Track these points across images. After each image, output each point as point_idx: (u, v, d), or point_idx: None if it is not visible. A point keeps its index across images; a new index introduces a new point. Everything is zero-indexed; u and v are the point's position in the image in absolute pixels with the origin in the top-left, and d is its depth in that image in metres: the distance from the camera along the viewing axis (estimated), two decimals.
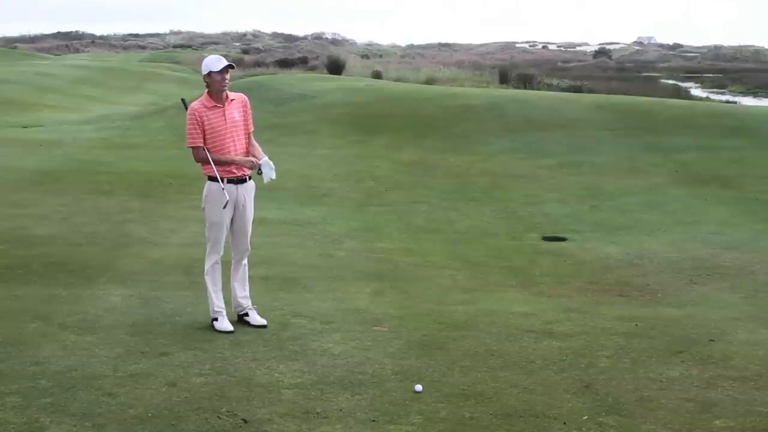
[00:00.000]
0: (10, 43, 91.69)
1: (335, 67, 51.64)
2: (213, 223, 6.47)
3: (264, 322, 6.55)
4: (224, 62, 6.38)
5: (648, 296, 8.41)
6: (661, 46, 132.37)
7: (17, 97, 30.90)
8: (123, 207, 12.23)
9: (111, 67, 48.79)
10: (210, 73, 6.34)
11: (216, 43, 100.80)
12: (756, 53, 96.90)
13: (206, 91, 6.43)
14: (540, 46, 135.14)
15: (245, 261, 6.68)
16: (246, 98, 6.64)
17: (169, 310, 6.98)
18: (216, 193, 6.37)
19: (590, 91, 37.54)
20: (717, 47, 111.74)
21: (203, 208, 6.55)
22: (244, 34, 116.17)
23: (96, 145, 18.87)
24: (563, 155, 16.89)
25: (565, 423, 4.81)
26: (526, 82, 43.49)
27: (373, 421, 4.82)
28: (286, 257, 9.57)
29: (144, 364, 5.63)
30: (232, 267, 6.68)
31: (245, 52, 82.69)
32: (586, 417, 4.90)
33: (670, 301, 8.17)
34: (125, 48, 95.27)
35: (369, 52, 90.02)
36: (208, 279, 6.53)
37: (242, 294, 6.65)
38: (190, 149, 6.41)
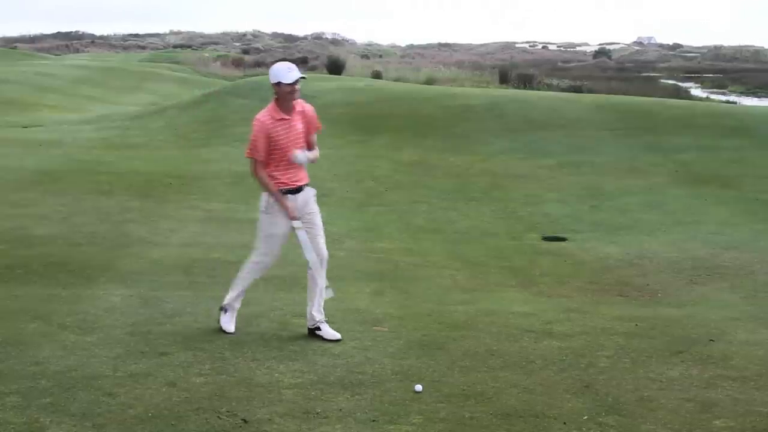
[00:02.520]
0: (10, 43, 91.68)
1: (335, 67, 51.67)
2: (270, 235, 6.27)
3: (338, 336, 6.23)
4: (296, 74, 6.02)
5: (648, 296, 8.41)
6: (661, 46, 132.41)
7: (17, 97, 30.90)
8: (123, 207, 12.23)
9: (111, 67, 48.78)
10: (279, 83, 6.03)
11: (216, 43, 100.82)
12: (756, 53, 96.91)
13: (274, 99, 6.13)
14: (540, 46, 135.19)
15: (323, 270, 6.35)
16: (313, 109, 6.34)
17: (169, 310, 6.98)
18: (276, 206, 6.16)
19: (590, 91, 37.56)
20: (717, 47, 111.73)
21: (259, 220, 6.31)
22: (244, 34, 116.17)
23: (96, 145, 18.87)
24: (563, 155, 16.90)
25: (565, 423, 4.81)
26: (526, 82, 43.53)
27: (373, 421, 4.82)
28: (286, 257, 9.54)
29: (144, 364, 5.62)
30: (309, 278, 6.35)
31: (245, 52, 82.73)
32: (586, 417, 4.90)
33: (670, 301, 8.17)
34: (125, 48, 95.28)
35: (369, 52, 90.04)
36: (245, 272, 6.37)
37: (316, 307, 6.33)
38: (250, 159, 6.22)
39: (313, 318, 6.33)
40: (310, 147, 6.29)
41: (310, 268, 6.32)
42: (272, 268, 8.90)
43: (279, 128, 6.08)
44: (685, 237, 11.09)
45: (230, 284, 6.49)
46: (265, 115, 6.13)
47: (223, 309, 6.43)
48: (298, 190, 6.22)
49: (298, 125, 6.15)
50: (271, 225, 6.23)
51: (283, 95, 6.05)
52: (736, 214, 12.44)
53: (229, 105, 22.72)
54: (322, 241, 6.36)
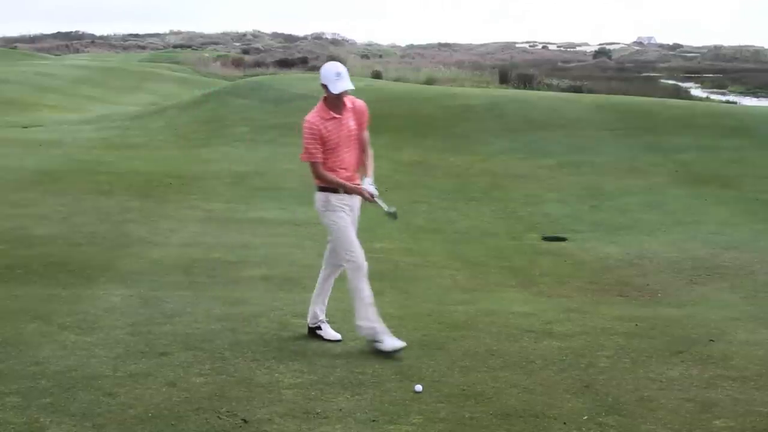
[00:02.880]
0: (10, 43, 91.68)
1: None
2: (341, 228, 6.05)
3: (338, 336, 6.20)
4: (342, 85, 5.85)
5: (648, 296, 8.41)
6: (661, 46, 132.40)
7: (17, 97, 30.90)
8: (123, 207, 12.23)
9: (111, 67, 48.78)
10: (326, 86, 5.91)
11: (216, 43, 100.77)
12: (756, 53, 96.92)
13: (323, 98, 5.98)
14: (540, 46, 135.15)
15: (338, 272, 6.29)
16: (364, 105, 6.18)
17: (169, 310, 6.98)
18: (336, 198, 6.02)
19: (590, 91, 37.56)
20: (717, 47, 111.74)
21: (324, 221, 6.16)
22: (244, 34, 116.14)
23: (96, 145, 18.87)
24: (563, 155, 16.90)
25: (565, 423, 4.81)
26: (526, 82, 43.50)
27: (373, 421, 4.82)
28: (286, 257, 9.57)
29: (144, 364, 5.62)
30: (323, 276, 6.31)
31: (245, 52, 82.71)
32: (586, 417, 4.90)
33: (670, 301, 8.17)
34: (125, 48, 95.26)
35: (369, 52, 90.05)
36: (357, 292, 6.01)
37: (321, 307, 6.27)
38: (308, 163, 6.02)
39: (315, 316, 6.29)
40: (363, 145, 6.13)
41: (325, 269, 6.30)
42: (272, 268, 8.96)
43: (329, 127, 5.93)
44: (685, 237, 11.08)
45: (354, 302, 6.08)
46: (314, 115, 5.95)
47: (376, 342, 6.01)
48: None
49: (350, 123, 6.01)
50: (339, 218, 6.06)
51: (332, 96, 5.93)
52: (736, 214, 12.44)
53: (229, 105, 22.73)
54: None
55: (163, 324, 6.55)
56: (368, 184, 6.10)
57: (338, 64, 6.05)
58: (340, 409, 4.96)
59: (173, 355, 5.83)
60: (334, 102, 5.94)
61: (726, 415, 4.91)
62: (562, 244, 10.96)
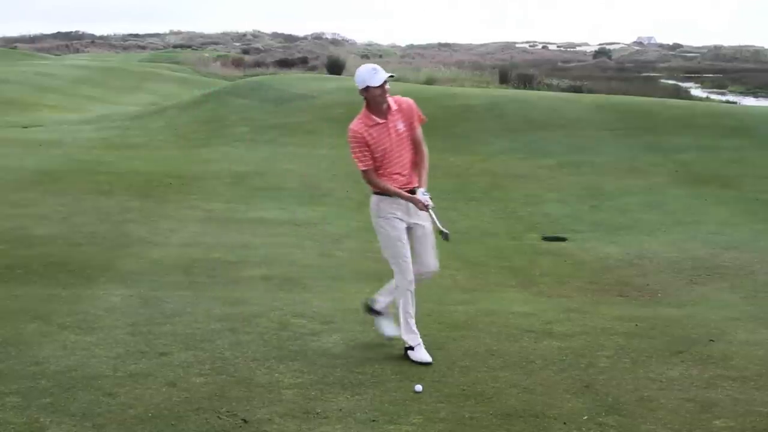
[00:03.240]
0: (10, 43, 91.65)
1: (335, 67, 51.71)
2: (388, 236, 5.81)
3: (392, 334, 6.02)
4: (382, 74, 5.62)
5: (648, 296, 8.41)
6: (661, 46, 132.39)
7: (17, 97, 30.91)
8: (123, 207, 12.23)
9: (111, 67, 48.78)
10: (368, 88, 5.64)
11: (216, 43, 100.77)
12: (756, 53, 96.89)
13: (364, 106, 5.75)
14: (540, 46, 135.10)
15: (427, 281, 6.09)
16: (411, 102, 5.85)
17: (169, 310, 6.98)
18: (387, 203, 5.80)
19: (590, 91, 37.56)
20: (717, 47, 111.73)
21: (374, 226, 5.95)
22: (244, 34, 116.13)
23: (96, 145, 18.87)
24: (563, 155, 16.90)
25: (565, 423, 4.81)
26: (526, 82, 43.50)
27: (373, 421, 4.82)
28: (286, 257, 9.58)
29: (144, 364, 5.62)
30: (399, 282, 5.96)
31: (245, 52, 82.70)
32: (586, 417, 4.90)
33: (670, 301, 8.17)
34: (125, 48, 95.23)
35: (369, 52, 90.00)
36: (402, 312, 5.86)
37: (384, 293, 6.07)
38: (361, 171, 5.84)
39: (375, 301, 6.10)
40: (416, 146, 5.83)
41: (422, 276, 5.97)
42: (272, 268, 8.96)
43: (374, 134, 5.70)
44: (685, 237, 11.08)
45: (397, 308, 5.95)
46: (357, 123, 5.76)
47: (408, 348, 5.88)
48: (410, 193, 5.80)
49: (398, 125, 5.74)
50: (388, 226, 5.81)
51: (373, 99, 5.67)
52: (736, 214, 12.44)
53: (229, 105, 22.73)
54: (429, 253, 5.97)
55: (163, 324, 6.55)
56: (422, 194, 5.78)
57: (369, 63, 5.89)
58: (340, 409, 4.96)
59: (173, 355, 5.83)
60: (377, 106, 5.69)
61: (726, 415, 4.91)
62: (562, 244, 10.96)
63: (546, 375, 5.60)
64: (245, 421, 4.76)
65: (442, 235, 5.91)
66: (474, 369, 5.70)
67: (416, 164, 5.86)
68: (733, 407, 5.03)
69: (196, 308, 7.02)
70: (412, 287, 5.84)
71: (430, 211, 5.84)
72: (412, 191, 5.79)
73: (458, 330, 6.65)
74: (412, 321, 5.88)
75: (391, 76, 5.68)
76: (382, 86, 5.62)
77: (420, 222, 5.87)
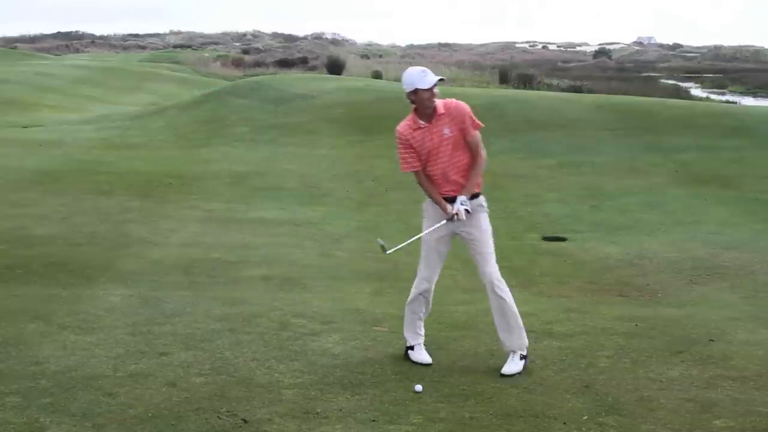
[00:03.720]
0: (10, 43, 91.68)
1: (335, 67, 51.73)
2: (424, 240, 5.75)
3: (518, 369, 5.61)
4: (432, 77, 5.52)
5: (648, 296, 8.41)
6: (661, 46, 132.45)
7: (17, 97, 30.91)
8: (123, 207, 12.23)
9: (111, 67, 48.79)
10: (416, 90, 5.55)
11: (216, 43, 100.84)
12: (756, 53, 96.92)
13: (413, 109, 5.65)
14: (540, 46, 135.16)
15: (498, 292, 5.68)
16: (462, 107, 5.67)
17: (169, 310, 6.97)
18: (432, 207, 5.72)
19: (590, 91, 37.59)
20: (717, 47, 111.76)
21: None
22: (244, 34, 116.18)
23: (96, 145, 18.88)
24: (563, 155, 16.90)
25: (565, 423, 4.81)
26: (526, 82, 43.56)
27: (373, 421, 4.82)
28: (286, 257, 9.57)
29: (144, 364, 5.62)
30: (490, 299, 5.77)
31: (245, 52, 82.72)
32: (586, 417, 4.89)
33: (670, 301, 8.17)
34: (125, 48, 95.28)
35: (369, 52, 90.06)
36: (407, 309, 5.88)
37: (503, 335, 5.71)
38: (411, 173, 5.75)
39: (504, 345, 5.75)
40: (473, 151, 5.64)
41: (486, 288, 5.73)
42: (272, 268, 8.96)
43: (418, 137, 5.60)
44: (685, 237, 11.08)
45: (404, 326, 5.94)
46: (403, 125, 5.68)
47: (408, 347, 5.88)
48: (448, 200, 5.66)
49: (444, 130, 5.58)
50: (428, 229, 5.72)
51: (421, 102, 5.57)
52: (736, 214, 12.44)
53: (229, 105, 22.73)
54: (486, 259, 5.68)
55: (163, 324, 6.55)
56: (460, 203, 5.59)
57: (418, 66, 5.79)
58: (340, 409, 4.96)
59: (173, 355, 5.83)
60: (423, 110, 5.59)
61: (726, 415, 4.90)
62: (562, 244, 10.96)
63: (546, 375, 5.60)
64: (245, 421, 4.75)
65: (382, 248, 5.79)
66: (474, 369, 5.70)
67: (464, 173, 5.66)
68: (733, 407, 5.03)
69: (196, 308, 7.02)
70: (426, 294, 5.83)
71: (456, 219, 5.60)
72: (452, 199, 5.62)
73: (458, 330, 6.65)
74: (420, 323, 5.89)
75: (441, 80, 5.56)
76: (430, 89, 5.52)
77: (465, 228, 5.68)
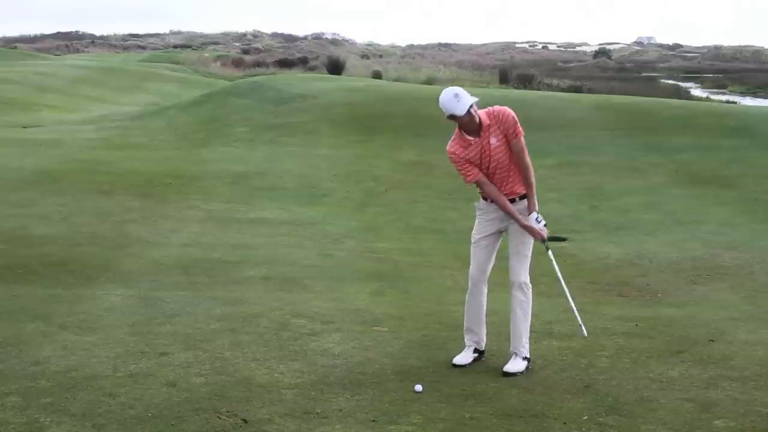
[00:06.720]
0: (10, 43, 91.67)
1: (335, 67, 51.71)
2: (473, 237, 5.82)
3: (519, 369, 5.63)
4: (465, 101, 5.52)
5: (648, 296, 8.41)
6: (661, 46, 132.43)
7: (17, 97, 30.89)
8: (123, 207, 12.23)
9: (111, 67, 48.78)
10: (453, 116, 5.57)
11: (216, 43, 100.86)
12: (756, 53, 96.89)
13: (457, 127, 5.70)
14: (540, 46, 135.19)
15: (520, 296, 5.70)
16: (507, 115, 5.63)
17: (169, 310, 6.98)
18: (487, 206, 5.77)
19: (590, 91, 37.61)
20: (717, 47, 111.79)
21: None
22: (244, 34, 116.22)
23: (96, 145, 18.86)
24: (563, 155, 16.89)
25: (565, 423, 4.81)
26: (526, 82, 43.55)
27: (373, 421, 4.82)
28: (286, 257, 9.57)
29: (144, 364, 5.62)
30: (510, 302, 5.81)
31: (245, 52, 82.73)
32: (586, 417, 4.89)
33: (670, 301, 8.17)
34: (125, 48, 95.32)
35: (369, 52, 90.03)
36: (466, 305, 5.91)
37: (512, 336, 5.72)
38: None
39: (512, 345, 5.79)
40: (518, 158, 5.67)
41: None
42: (272, 267, 8.96)
43: (471, 153, 5.63)
44: (685, 237, 11.08)
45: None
46: (453, 146, 5.71)
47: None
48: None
49: (491, 140, 5.61)
50: (477, 231, 5.80)
51: (462, 124, 5.62)
52: (736, 214, 12.44)
53: (229, 105, 22.72)
54: (517, 263, 5.73)
55: (163, 324, 6.55)
56: (535, 221, 5.68)
57: (451, 87, 5.73)
58: (340, 409, 4.96)
59: (173, 355, 5.83)
60: (467, 126, 5.61)
61: (726, 415, 4.90)
62: (562, 244, 10.95)
63: (546, 375, 5.60)
64: (245, 421, 4.75)
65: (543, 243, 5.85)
66: (474, 369, 5.70)
67: (521, 176, 5.71)
68: (733, 407, 5.03)
69: (196, 308, 7.02)
70: (474, 288, 5.82)
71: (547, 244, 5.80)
72: (512, 200, 5.69)
73: (458, 330, 6.62)
74: (469, 325, 5.87)
75: (476, 100, 5.57)
76: (468, 112, 5.52)
77: (514, 225, 5.74)
